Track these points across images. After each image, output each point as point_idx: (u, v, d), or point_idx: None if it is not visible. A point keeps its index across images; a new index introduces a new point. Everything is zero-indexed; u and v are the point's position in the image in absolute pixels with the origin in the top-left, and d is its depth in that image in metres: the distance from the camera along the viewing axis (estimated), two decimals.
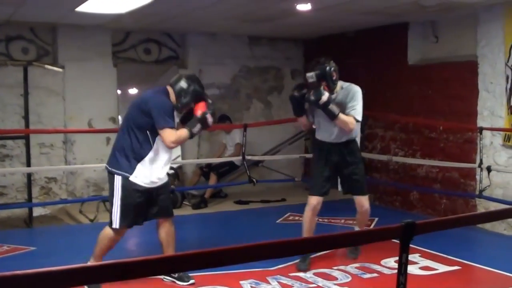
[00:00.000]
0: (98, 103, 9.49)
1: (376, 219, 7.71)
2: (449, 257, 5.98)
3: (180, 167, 10.09)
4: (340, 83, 5.64)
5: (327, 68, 5.43)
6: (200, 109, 5.02)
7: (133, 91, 10.24)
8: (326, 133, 5.73)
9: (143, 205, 5.06)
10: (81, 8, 7.40)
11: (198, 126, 5.00)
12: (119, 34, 9.80)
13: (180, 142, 5.08)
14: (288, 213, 8.41)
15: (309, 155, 10.21)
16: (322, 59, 5.52)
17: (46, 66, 8.84)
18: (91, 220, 8.12)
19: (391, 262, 5.78)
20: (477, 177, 7.65)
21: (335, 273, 5.53)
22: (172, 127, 4.86)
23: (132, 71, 10.08)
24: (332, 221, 7.93)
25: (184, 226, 8.27)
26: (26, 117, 8.31)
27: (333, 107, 5.40)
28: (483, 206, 7.70)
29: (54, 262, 2.01)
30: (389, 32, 9.15)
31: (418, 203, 8.82)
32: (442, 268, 5.74)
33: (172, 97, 5.02)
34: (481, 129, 7.50)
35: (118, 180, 4.95)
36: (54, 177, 9.27)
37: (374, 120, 9.48)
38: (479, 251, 6.88)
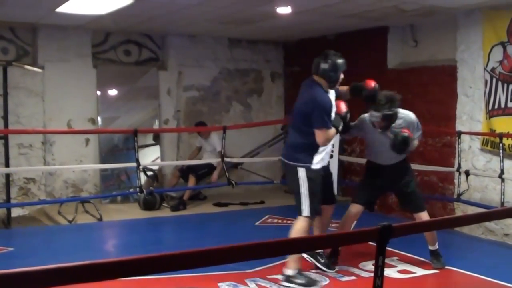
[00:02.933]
0: (77, 104, 9.45)
1: (355, 222, 7.71)
2: (427, 261, 6.00)
3: (159, 169, 10.07)
4: (399, 112, 5.59)
5: (393, 110, 5.42)
6: (341, 108, 5.48)
7: (112, 92, 10.19)
8: (379, 157, 5.78)
9: (323, 190, 5.50)
10: (61, 9, 7.36)
11: (341, 123, 5.45)
12: (99, 35, 9.75)
13: (330, 140, 5.45)
14: (267, 216, 8.40)
15: None
16: (388, 96, 5.46)
17: (26, 66, 8.77)
18: (70, 221, 8.07)
19: (369, 265, 5.78)
20: (456, 181, 7.71)
21: (313, 275, 5.51)
22: (327, 128, 5.26)
23: (112, 72, 10.03)
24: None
25: (163, 228, 8.29)
26: (5, 117, 8.25)
27: (413, 145, 5.58)
28: (461, 210, 7.76)
29: (31, 263, 1.99)
30: (369, 35, 9.20)
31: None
32: (420, 271, 5.76)
33: (323, 82, 5.36)
34: (460, 133, 7.56)
35: (302, 172, 5.32)
36: (32, 177, 9.20)
37: None
38: (457, 255, 6.91)
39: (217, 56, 10.68)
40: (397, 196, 6.07)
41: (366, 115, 5.67)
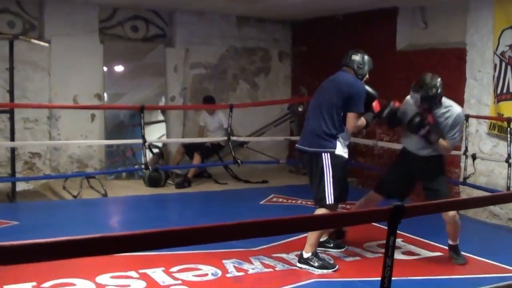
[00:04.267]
0: (84, 79, 9.42)
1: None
2: (432, 243, 6.00)
3: (164, 146, 10.06)
4: (443, 101, 5.38)
5: (431, 92, 5.21)
6: (376, 107, 5.51)
7: (119, 68, 10.16)
8: (413, 144, 5.57)
9: (346, 178, 5.56)
10: None
11: (373, 120, 5.57)
12: (107, 10, 9.70)
13: (360, 128, 5.54)
14: (272, 195, 8.40)
15: (295, 138, 10.24)
16: (429, 77, 5.28)
17: (32, 40, 8.74)
18: (74, 196, 8.08)
19: (374, 246, 5.79)
20: (462, 164, 7.69)
21: (327, 258, 5.50)
22: (361, 113, 5.32)
23: (119, 48, 9.99)
24: None
25: (167, 205, 8.30)
26: (11, 92, 8.23)
27: (432, 136, 5.32)
28: (466, 193, 7.74)
29: (36, 237, 1.98)
30: (378, 16, 9.13)
31: None
32: (424, 253, 5.76)
33: (351, 73, 5.41)
34: (467, 117, 7.52)
35: (326, 158, 5.26)
36: (38, 152, 9.20)
37: None
38: (462, 238, 6.88)
39: (225, 34, 10.62)
40: (423, 191, 5.67)
41: (408, 96, 5.56)
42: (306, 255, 5.21)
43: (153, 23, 10.20)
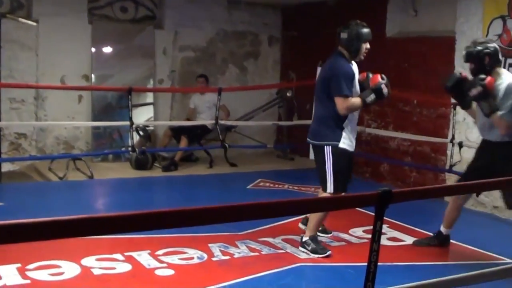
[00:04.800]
0: (71, 60, 9.35)
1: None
2: (417, 229, 6.04)
3: (152, 129, 10.03)
4: (501, 72, 4.96)
5: (475, 50, 4.87)
6: (374, 80, 5.19)
7: (107, 49, 10.10)
8: (480, 128, 5.24)
9: (349, 169, 5.37)
10: None
11: (372, 96, 5.13)
12: None
13: (353, 110, 5.18)
14: (259, 179, 8.41)
15: (283, 123, 10.25)
16: (480, 38, 4.97)
17: (20, 19, 8.66)
18: (60, 178, 8.05)
19: (359, 232, 5.82)
20: (448, 152, 7.72)
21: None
22: (345, 95, 5.05)
23: (108, 29, 9.91)
24: (303, 188, 7.95)
25: (154, 188, 8.30)
26: None
27: (485, 105, 4.81)
28: (452, 181, 7.76)
29: (21, 218, 1.97)
30: (368, 3, 9.11)
31: (388, 175, 8.88)
32: (409, 239, 5.79)
33: (345, 52, 5.22)
34: (455, 105, 7.52)
35: (328, 150, 5.18)
36: (24, 133, 9.14)
37: None
38: None
39: (215, 17, 10.55)
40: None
41: None
42: (304, 238, 5.25)
43: (143, 5, 10.10)
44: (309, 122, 8.98)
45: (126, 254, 4.91)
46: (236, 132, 10.14)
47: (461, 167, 7.49)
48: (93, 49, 9.66)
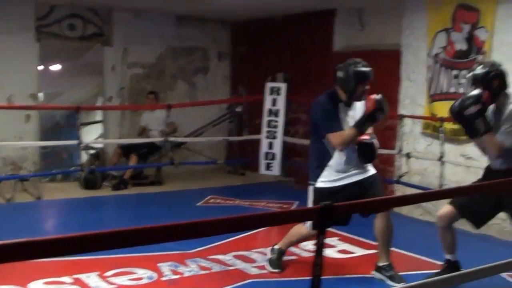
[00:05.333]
0: (19, 78, 9.18)
1: (297, 202, 7.77)
2: (367, 241, 6.06)
3: (102, 147, 9.92)
4: (508, 99, 4.49)
5: (482, 72, 4.43)
6: (368, 106, 4.77)
7: (56, 67, 9.98)
8: (487, 153, 4.69)
9: None
10: None
11: (363, 123, 4.74)
12: (43, 7, 9.47)
13: (349, 141, 4.75)
14: (209, 196, 8.37)
15: (233, 138, 10.25)
16: (490, 63, 4.60)
17: None
18: (8, 200, 7.87)
19: (309, 245, 5.82)
20: (396, 163, 7.81)
21: (254, 255, 5.55)
22: (334, 131, 4.73)
23: (56, 47, 9.81)
24: (254, 203, 7.94)
25: (103, 207, 8.19)
26: None
27: (479, 123, 4.34)
28: (401, 192, 7.86)
29: None
30: (316, 18, 9.21)
31: None
32: (359, 251, 5.83)
33: (341, 92, 4.85)
34: (402, 117, 7.66)
35: (310, 190, 4.97)
36: None
37: (298, 105, 9.53)
38: (396, 235, 6.98)
39: (163, 33, 10.52)
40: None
41: None
42: (276, 246, 5.29)
43: (91, 22, 10.01)
44: (259, 137, 9.10)
45: (74, 276, 4.81)
46: (186, 149, 10.10)
47: (409, 178, 7.62)
48: (41, 67, 9.54)
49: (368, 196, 4.64)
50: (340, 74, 4.81)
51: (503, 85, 4.46)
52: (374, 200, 3.46)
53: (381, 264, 5.05)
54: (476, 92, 4.37)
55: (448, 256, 4.91)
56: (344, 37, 9.06)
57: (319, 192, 4.90)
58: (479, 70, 4.46)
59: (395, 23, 8.07)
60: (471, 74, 4.51)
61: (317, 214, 2.59)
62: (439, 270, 4.89)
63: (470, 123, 4.39)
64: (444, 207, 4.74)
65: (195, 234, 2.50)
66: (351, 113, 4.89)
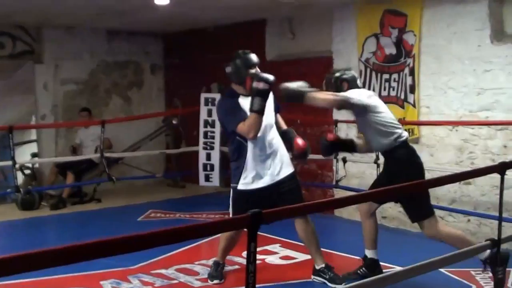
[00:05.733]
0: None
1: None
2: None
3: (37, 167, 9.74)
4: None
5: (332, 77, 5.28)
6: (249, 83, 4.79)
7: None
8: (371, 145, 5.26)
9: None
10: None
11: (257, 100, 4.64)
12: None
13: (257, 127, 4.69)
14: (150, 210, 8.33)
15: (170, 151, 10.20)
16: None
17: None
18: None
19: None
20: (334, 168, 7.91)
21: (197, 267, 5.55)
22: (240, 121, 4.72)
23: None
24: (194, 216, 7.94)
25: (43, 228, 8.04)
26: None
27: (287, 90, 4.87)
28: (340, 196, 7.96)
29: None
30: (248, 28, 9.27)
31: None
32: (302, 256, 5.88)
33: (237, 87, 4.94)
34: (336, 122, 7.77)
35: (231, 193, 5.00)
36: None
37: None
38: (337, 238, 7.15)
39: (95, 49, 10.42)
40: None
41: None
42: (215, 259, 5.31)
43: (20, 39, 9.80)
44: (197, 148, 9.08)
45: None
46: (124, 164, 10.01)
47: (347, 182, 7.73)
48: None
49: (286, 196, 4.83)
50: (228, 69, 4.92)
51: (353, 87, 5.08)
52: (298, 206, 3.48)
53: (318, 267, 5.13)
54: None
55: (367, 252, 5.16)
56: (276, 46, 9.14)
57: (239, 194, 4.93)
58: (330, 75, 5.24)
59: (326, 30, 8.20)
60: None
61: (248, 221, 2.61)
62: (358, 268, 5.16)
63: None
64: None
65: (128, 249, 2.48)
66: None
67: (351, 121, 7.73)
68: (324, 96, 4.89)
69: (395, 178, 4.47)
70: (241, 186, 4.89)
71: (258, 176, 4.88)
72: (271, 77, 4.73)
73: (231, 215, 4.98)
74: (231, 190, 5.00)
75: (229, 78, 5.00)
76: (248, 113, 4.72)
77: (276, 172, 4.92)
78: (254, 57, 4.97)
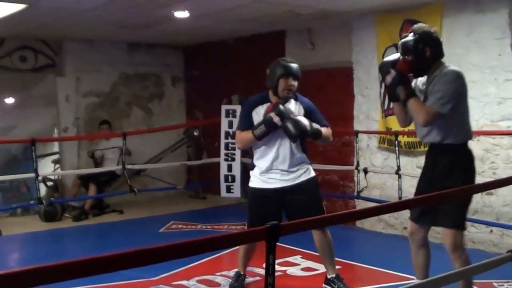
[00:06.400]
0: None
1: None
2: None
3: (60, 179, 9.82)
4: (442, 67, 4.18)
5: (409, 39, 4.12)
6: (266, 109, 4.82)
7: (8, 100, 9.89)
8: (417, 129, 4.40)
9: (267, 208, 4.90)
10: None
11: (262, 128, 4.72)
12: None
13: (246, 144, 4.96)
14: (171, 222, 8.35)
15: (191, 162, 10.22)
16: (420, 25, 4.23)
17: None
18: None
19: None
20: (355, 178, 7.89)
21: (218, 279, 5.54)
22: (241, 129, 4.93)
23: (7, 79, 9.69)
24: (216, 227, 7.95)
25: (65, 239, 8.10)
26: None
27: (399, 91, 4.13)
28: (362, 207, 7.94)
29: None
30: (267, 39, 9.30)
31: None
32: (323, 268, 5.84)
33: (270, 93, 4.96)
34: (357, 133, 7.76)
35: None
36: None
37: None
38: (359, 250, 7.12)
39: (116, 61, 10.49)
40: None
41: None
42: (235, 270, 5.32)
43: (42, 53, 9.93)
44: (218, 160, 9.10)
45: None
46: (146, 175, 10.06)
47: (369, 193, 7.70)
48: None
49: (298, 203, 4.83)
50: (267, 72, 4.92)
51: (436, 53, 4.14)
52: (321, 217, 3.48)
53: (329, 276, 5.15)
54: (389, 59, 4.23)
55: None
56: (295, 56, 9.07)
57: (251, 191, 5.04)
58: (409, 37, 4.12)
59: (345, 41, 8.20)
60: (400, 42, 4.17)
61: (266, 234, 2.60)
62: None
63: (391, 91, 4.20)
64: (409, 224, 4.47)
65: (149, 260, 2.49)
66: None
67: (371, 131, 7.74)
68: (423, 109, 4.11)
69: (455, 175, 4.11)
70: (251, 183, 5.04)
71: (265, 177, 4.93)
72: (288, 114, 4.73)
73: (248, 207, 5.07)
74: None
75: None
76: (261, 117, 4.80)
77: (288, 177, 4.92)
78: (290, 68, 4.88)
